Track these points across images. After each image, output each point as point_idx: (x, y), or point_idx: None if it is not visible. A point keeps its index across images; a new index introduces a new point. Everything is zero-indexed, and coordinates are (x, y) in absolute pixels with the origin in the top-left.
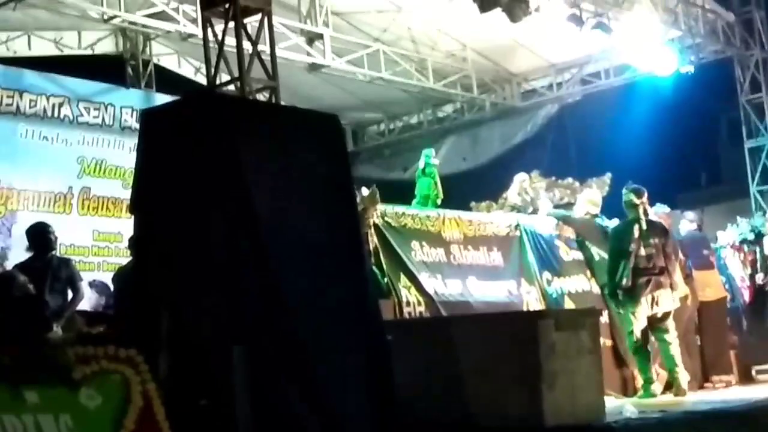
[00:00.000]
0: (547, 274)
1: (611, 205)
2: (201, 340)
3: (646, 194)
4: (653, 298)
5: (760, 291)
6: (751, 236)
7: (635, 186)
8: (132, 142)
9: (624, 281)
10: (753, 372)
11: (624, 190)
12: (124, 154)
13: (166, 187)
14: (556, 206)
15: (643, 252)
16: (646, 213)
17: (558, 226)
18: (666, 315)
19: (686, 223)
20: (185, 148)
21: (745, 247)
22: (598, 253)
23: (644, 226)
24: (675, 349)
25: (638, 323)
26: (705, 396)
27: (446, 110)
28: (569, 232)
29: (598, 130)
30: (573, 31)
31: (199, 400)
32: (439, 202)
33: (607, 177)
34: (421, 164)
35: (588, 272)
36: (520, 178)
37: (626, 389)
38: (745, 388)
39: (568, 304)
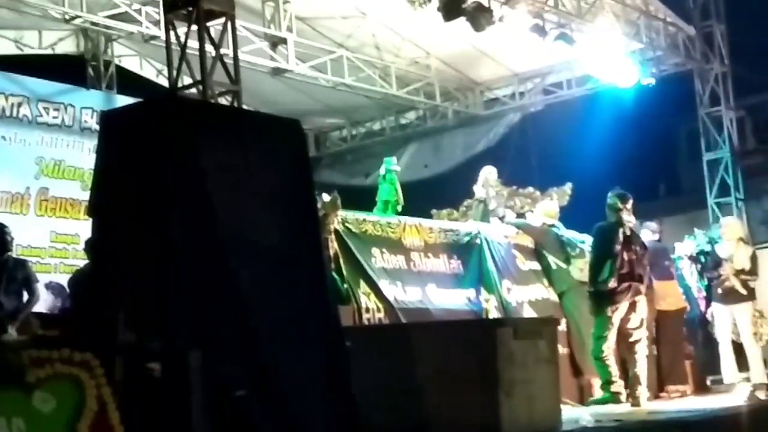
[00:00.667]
0: (506, 282)
1: (572, 215)
2: (158, 345)
3: (631, 201)
4: (633, 304)
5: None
6: (708, 248)
7: (621, 191)
8: (92, 143)
9: (611, 283)
10: (708, 382)
11: (609, 194)
12: (84, 155)
13: (124, 190)
14: (518, 215)
15: (625, 257)
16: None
17: (516, 234)
18: (641, 323)
19: (648, 234)
20: (145, 151)
21: (702, 259)
22: (555, 262)
23: (627, 232)
24: (643, 364)
25: (614, 327)
26: (660, 406)
27: (409, 117)
28: (527, 241)
29: (559, 139)
30: (536, 41)
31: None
32: (399, 208)
33: (568, 187)
34: (382, 171)
35: (545, 281)
36: (486, 171)
37: (583, 398)
38: (700, 398)
39: (528, 313)
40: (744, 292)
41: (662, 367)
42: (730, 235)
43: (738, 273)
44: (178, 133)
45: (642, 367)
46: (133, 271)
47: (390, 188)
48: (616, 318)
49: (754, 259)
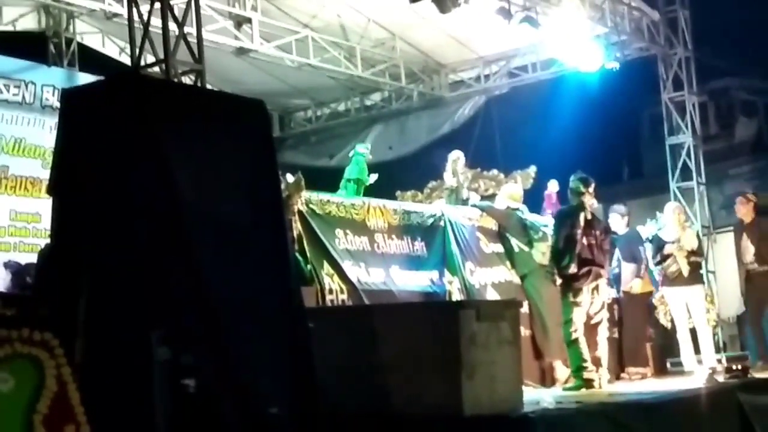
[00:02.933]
0: (470, 265)
1: (535, 197)
2: (119, 325)
3: (593, 185)
4: (595, 288)
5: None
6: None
7: (583, 175)
8: (53, 121)
9: (571, 268)
10: (668, 365)
11: (572, 178)
12: (45, 133)
13: (85, 169)
14: (482, 197)
15: (585, 241)
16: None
17: (480, 217)
18: (602, 306)
19: (617, 217)
20: (106, 130)
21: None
22: (518, 245)
23: (589, 216)
24: (604, 347)
25: (580, 311)
26: (620, 388)
27: (374, 99)
28: (491, 224)
29: (524, 122)
30: (501, 24)
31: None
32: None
33: (532, 170)
34: (351, 153)
35: (508, 263)
36: (453, 157)
37: (544, 379)
38: (659, 380)
39: (491, 295)
40: (687, 273)
41: (625, 349)
42: (675, 219)
43: (689, 254)
44: (140, 112)
45: (603, 350)
46: (94, 251)
47: (353, 169)
48: (582, 302)
49: (699, 238)
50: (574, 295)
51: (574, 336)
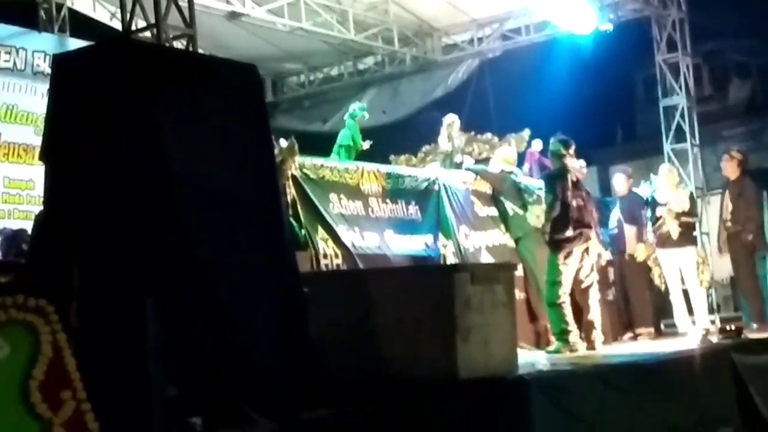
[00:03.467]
0: (464, 228)
1: None
2: (113, 291)
3: (573, 146)
4: (585, 250)
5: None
6: None
7: (563, 137)
8: (44, 87)
9: (567, 232)
10: (662, 326)
11: (552, 140)
12: (37, 99)
13: (77, 135)
14: (476, 161)
15: (574, 203)
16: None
17: (474, 180)
18: (592, 268)
19: (622, 179)
20: (97, 96)
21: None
22: (512, 208)
23: (574, 178)
24: (596, 309)
25: (569, 272)
26: (615, 349)
27: (367, 63)
28: (485, 187)
29: (517, 85)
30: None
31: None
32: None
33: (526, 133)
34: (345, 116)
35: (502, 227)
36: (448, 121)
37: (539, 342)
38: (654, 341)
39: (485, 258)
40: (677, 235)
41: (632, 310)
42: (667, 181)
43: (678, 216)
44: (131, 78)
45: (596, 312)
46: (87, 217)
47: (345, 134)
48: (571, 264)
49: (692, 200)
50: (564, 257)
51: (562, 298)
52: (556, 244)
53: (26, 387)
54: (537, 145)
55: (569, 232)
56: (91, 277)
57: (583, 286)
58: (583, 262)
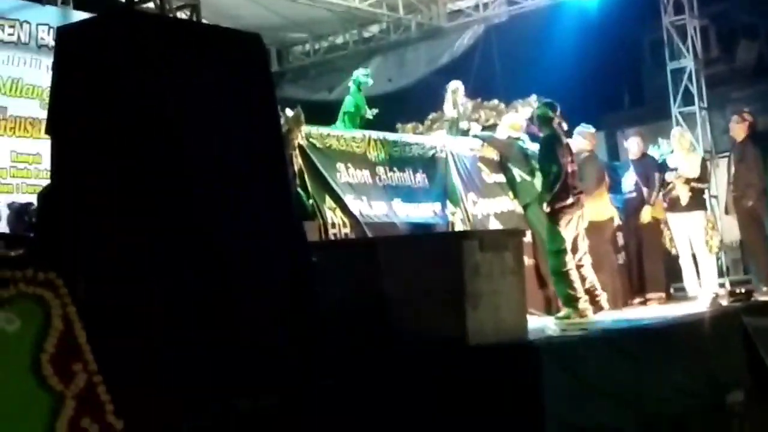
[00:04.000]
0: (472, 195)
1: None
2: (119, 263)
3: (559, 109)
4: (580, 215)
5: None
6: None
7: (548, 100)
8: (49, 60)
9: (570, 198)
10: (671, 290)
11: (538, 104)
12: (41, 73)
13: (82, 108)
14: (483, 128)
15: (569, 169)
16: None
17: (482, 147)
18: (584, 233)
19: (638, 141)
20: (102, 67)
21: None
22: (520, 175)
23: (565, 142)
24: (591, 272)
25: (571, 239)
26: (624, 314)
27: (372, 30)
28: (492, 154)
29: (523, 51)
30: None
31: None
32: (368, 115)
33: (533, 99)
34: (350, 83)
35: (510, 193)
36: (452, 88)
37: (549, 308)
38: (663, 305)
39: (494, 225)
40: (687, 200)
41: (646, 274)
42: (679, 146)
43: (688, 181)
44: (135, 49)
45: (592, 276)
46: (93, 190)
47: (349, 101)
48: (571, 231)
49: (704, 166)
50: (566, 224)
51: (568, 266)
52: (557, 212)
53: (37, 360)
54: (525, 112)
55: (570, 200)
56: (97, 248)
57: (578, 254)
58: (579, 228)
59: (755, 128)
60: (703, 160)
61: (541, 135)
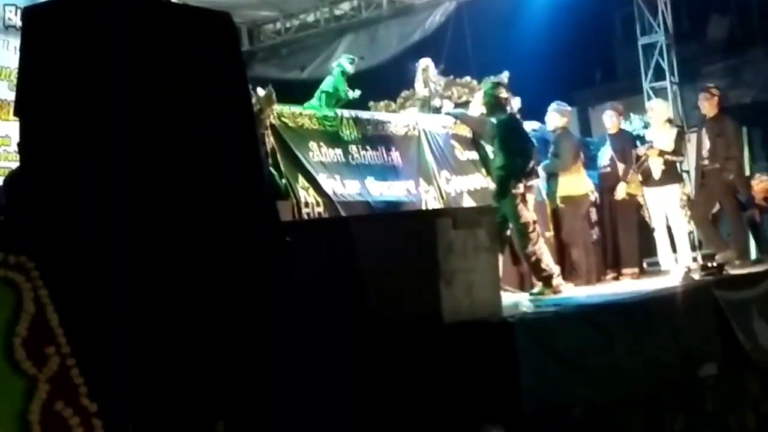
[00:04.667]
0: (445, 173)
1: None
2: (96, 245)
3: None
4: (530, 188)
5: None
6: (643, 132)
7: (494, 79)
8: (17, 41)
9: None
10: (644, 265)
11: (486, 86)
12: (9, 54)
13: (50, 89)
14: (456, 105)
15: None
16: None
17: (455, 125)
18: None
19: (614, 116)
20: (68, 47)
21: (638, 143)
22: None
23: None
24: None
25: (530, 214)
26: (597, 290)
27: (343, 8)
28: (465, 131)
29: (495, 28)
30: None
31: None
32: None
33: (504, 75)
34: (334, 63)
35: (484, 171)
36: (422, 65)
37: (523, 284)
38: (636, 280)
39: (467, 202)
40: (660, 174)
41: (619, 249)
42: (656, 118)
43: (662, 154)
44: (103, 29)
45: (548, 254)
46: (63, 172)
47: (328, 81)
48: (529, 206)
49: (678, 139)
50: (522, 200)
51: (535, 242)
52: (510, 190)
53: (10, 344)
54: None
55: (523, 177)
56: (69, 231)
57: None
58: (529, 203)
59: (725, 102)
60: (679, 133)
61: (495, 120)
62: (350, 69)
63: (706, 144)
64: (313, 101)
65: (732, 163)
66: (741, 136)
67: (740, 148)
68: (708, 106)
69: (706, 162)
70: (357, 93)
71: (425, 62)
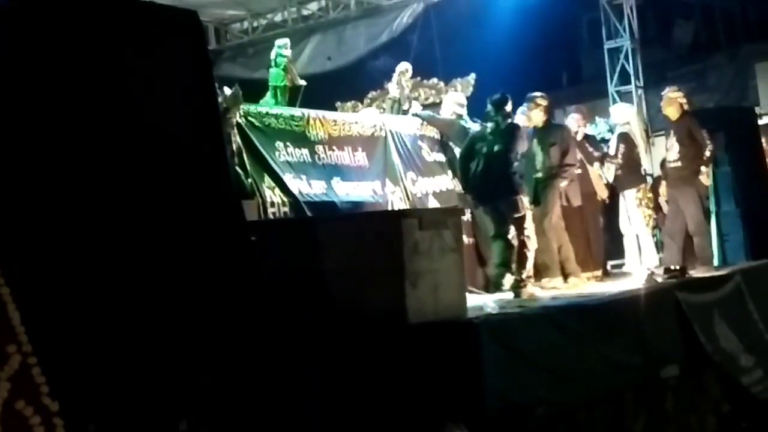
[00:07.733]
0: (411, 174)
1: (474, 106)
2: (59, 245)
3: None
4: None
5: (614, 188)
6: (608, 135)
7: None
8: None
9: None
10: (608, 267)
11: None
12: None
13: (18, 87)
14: (423, 106)
15: None
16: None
17: (422, 126)
18: None
19: (578, 119)
20: (37, 47)
21: (603, 146)
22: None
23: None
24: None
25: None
26: (562, 291)
27: (311, 8)
28: (433, 132)
29: (462, 29)
30: None
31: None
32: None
33: (471, 77)
34: (272, 55)
35: (450, 172)
36: (401, 69)
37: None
38: (600, 282)
39: (433, 203)
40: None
41: (587, 252)
42: (618, 121)
43: (606, 159)
44: (69, 27)
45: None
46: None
47: (280, 73)
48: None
49: (621, 142)
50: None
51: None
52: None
53: None
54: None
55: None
56: (36, 230)
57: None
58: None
59: (689, 105)
60: (620, 136)
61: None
62: (287, 53)
63: (675, 146)
64: (267, 99)
65: (698, 164)
66: (705, 138)
67: (711, 151)
68: (672, 110)
69: (677, 164)
70: (302, 81)
71: (405, 66)
